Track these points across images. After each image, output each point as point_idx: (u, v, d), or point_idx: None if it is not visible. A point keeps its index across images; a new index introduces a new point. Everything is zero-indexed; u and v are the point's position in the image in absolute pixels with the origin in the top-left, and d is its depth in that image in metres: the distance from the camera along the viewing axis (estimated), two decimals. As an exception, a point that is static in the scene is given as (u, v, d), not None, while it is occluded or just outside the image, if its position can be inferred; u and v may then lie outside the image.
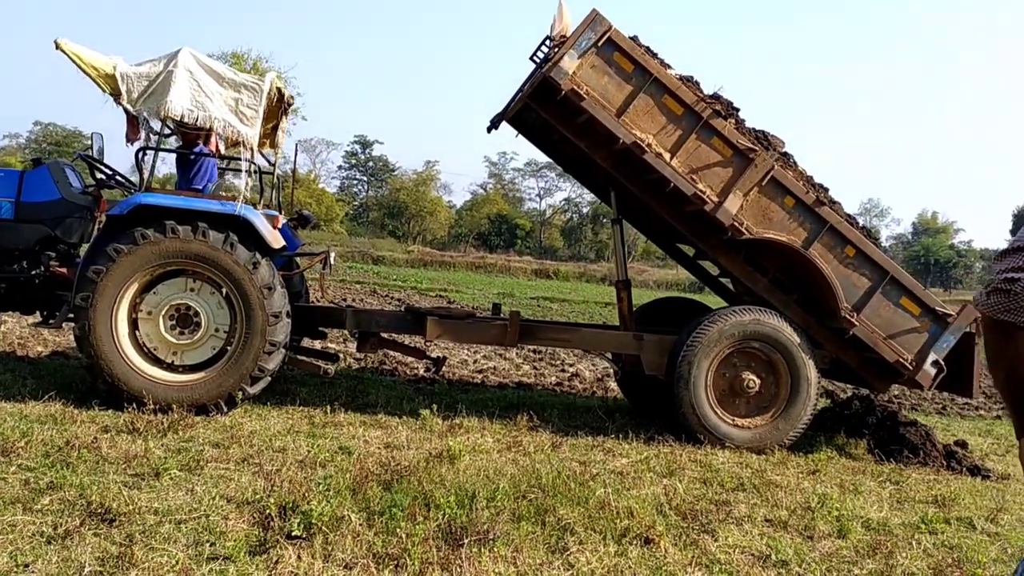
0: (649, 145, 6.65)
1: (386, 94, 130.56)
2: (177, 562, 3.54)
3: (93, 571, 3.44)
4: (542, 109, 6.93)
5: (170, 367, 6.52)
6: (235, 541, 3.83)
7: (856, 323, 6.93)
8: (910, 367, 6.98)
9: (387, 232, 67.58)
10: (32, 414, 5.86)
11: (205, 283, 6.53)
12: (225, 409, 6.46)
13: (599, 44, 6.54)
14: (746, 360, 7.10)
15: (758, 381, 7.06)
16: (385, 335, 7.89)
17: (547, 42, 6.90)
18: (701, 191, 6.75)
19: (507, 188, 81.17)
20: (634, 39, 6.75)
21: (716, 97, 6.87)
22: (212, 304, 6.54)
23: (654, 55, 6.85)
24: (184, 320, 6.52)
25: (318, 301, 9.09)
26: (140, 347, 6.46)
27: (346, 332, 10.82)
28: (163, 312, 6.46)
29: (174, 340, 6.49)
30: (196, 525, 4.04)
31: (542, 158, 76.00)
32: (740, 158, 6.78)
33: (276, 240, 6.76)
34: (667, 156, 6.71)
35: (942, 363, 7.02)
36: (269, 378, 6.69)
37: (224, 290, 6.50)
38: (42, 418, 5.77)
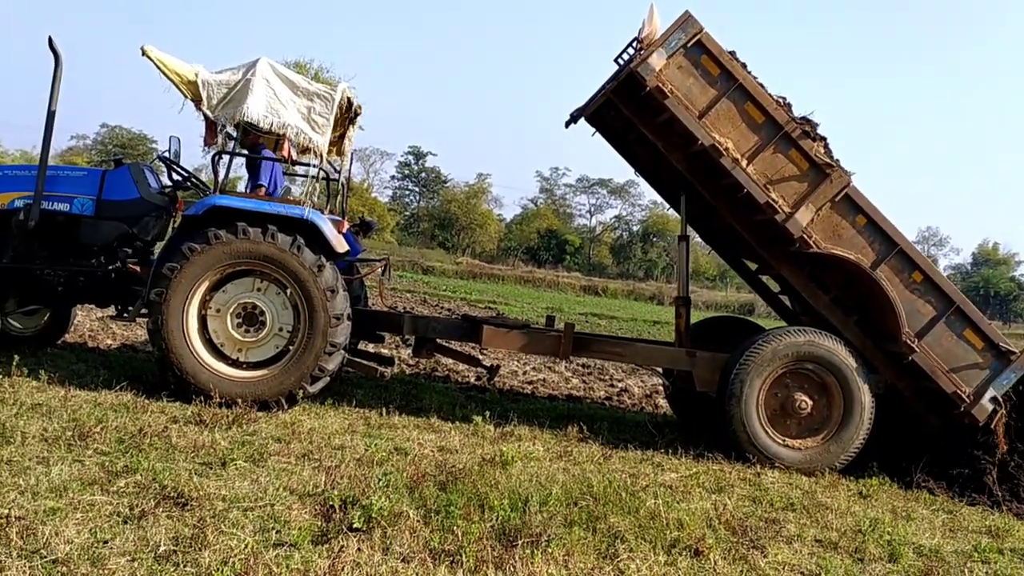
0: (727, 149, 6.73)
1: (441, 106, 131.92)
2: (246, 546, 3.71)
3: (168, 550, 3.63)
4: (624, 105, 7.07)
5: (235, 363, 6.75)
6: (299, 530, 4.00)
7: (917, 350, 6.88)
8: (967, 400, 6.90)
9: (437, 243, 68.16)
10: (106, 402, 6.14)
11: (272, 283, 6.76)
12: (285, 406, 6.67)
13: (688, 45, 6.66)
14: (799, 381, 7.09)
15: (810, 403, 7.05)
16: (440, 341, 8.04)
17: (634, 44, 7.01)
18: (774, 200, 6.79)
19: (558, 203, 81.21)
20: (732, 55, 6.83)
21: (805, 120, 6.90)
22: (277, 304, 6.77)
23: (744, 66, 6.92)
24: (250, 319, 6.75)
25: (377, 305, 9.28)
26: (208, 343, 6.70)
27: (398, 339, 11.06)
28: (231, 310, 6.70)
29: (240, 337, 6.73)
30: (262, 513, 4.22)
31: (593, 174, 76.26)
32: (816, 172, 6.82)
33: (340, 245, 6.97)
34: (744, 162, 6.78)
35: (1000, 399, 6.93)
36: (328, 378, 6.89)
37: (289, 291, 6.72)
38: (115, 406, 6.04)
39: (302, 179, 7.56)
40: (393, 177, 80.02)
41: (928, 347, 6.93)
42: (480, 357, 8.98)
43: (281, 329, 6.77)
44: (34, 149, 46.93)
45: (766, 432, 6.99)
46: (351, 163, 8.59)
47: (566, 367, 12.18)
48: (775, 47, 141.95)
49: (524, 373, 11.20)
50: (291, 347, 6.74)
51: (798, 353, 7.01)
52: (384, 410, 7.16)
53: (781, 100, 6.93)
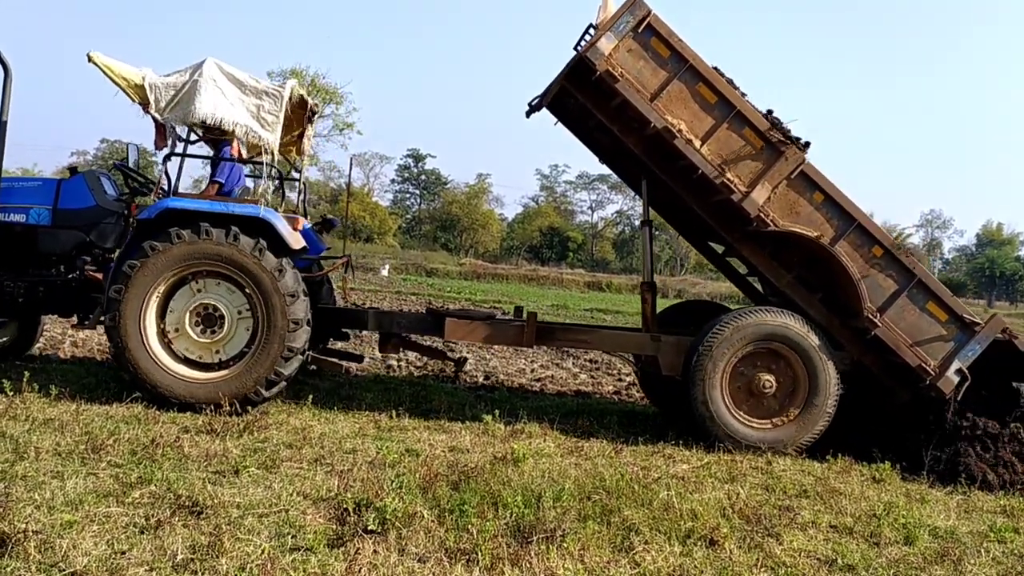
0: (680, 131, 6.71)
1: (439, 108, 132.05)
2: (263, 551, 3.73)
3: (185, 559, 3.64)
4: (578, 92, 7.03)
5: (222, 365, 6.69)
6: (315, 534, 4.01)
7: (879, 324, 6.86)
8: (932, 373, 6.87)
9: (439, 245, 68.23)
10: (117, 415, 6.16)
11: (206, 279, 6.68)
12: (240, 410, 6.53)
13: (637, 28, 6.63)
14: (762, 361, 7.07)
15: (774, 381, 7.03)
16: (407, 336, 7.99)
17: (591, 31, 6.98)
18: (729, 180, 6.78)
19: (559, 201, 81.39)
20: (716, 70, 6.84)
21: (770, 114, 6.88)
22: (222, 292, 6.70)
23: (729, 80, 6.89)
24: (209, 319, 6.70)
25: (343, 303, 9.21)
26: (167, 345, 6.64)
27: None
28: (187, 322, 6.65)
29: (209, 341, 6.69)
30: (277, 519, 4.23)
31: (593, 170, 76.29)
32: (771, 150, 6.80)
33: (296, 241, 6.93)
34: (697, 143, 6.76)
35: (966, 371, 6.89)
36: (284, 383, 6.78)
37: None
38: (127, 418, 6.06)
39: (263, 179, 7.53)
40: (393, 181, 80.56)
41: (891, 321, 6.91)
42: (446, 350, 8.94)
43: (240, 312, 6.70)
44: (36, 166, 47.24)
45: (731, 413, 6.98)
46: (350, 168, 8.64)
47: (574, 363, 12.19)
48: (772, 43, 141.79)
49: (532, 371, 11.20)
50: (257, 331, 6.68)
51: (758, 332, 7.00)
52: (394, 413, 7.17)
53: (769, 113, 6.90)
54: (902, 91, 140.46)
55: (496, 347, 11.79)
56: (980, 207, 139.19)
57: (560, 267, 60.95)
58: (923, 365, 6.87)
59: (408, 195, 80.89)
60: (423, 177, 79.36)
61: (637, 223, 76.10)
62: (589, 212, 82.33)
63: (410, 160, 78.55)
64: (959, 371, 6.87)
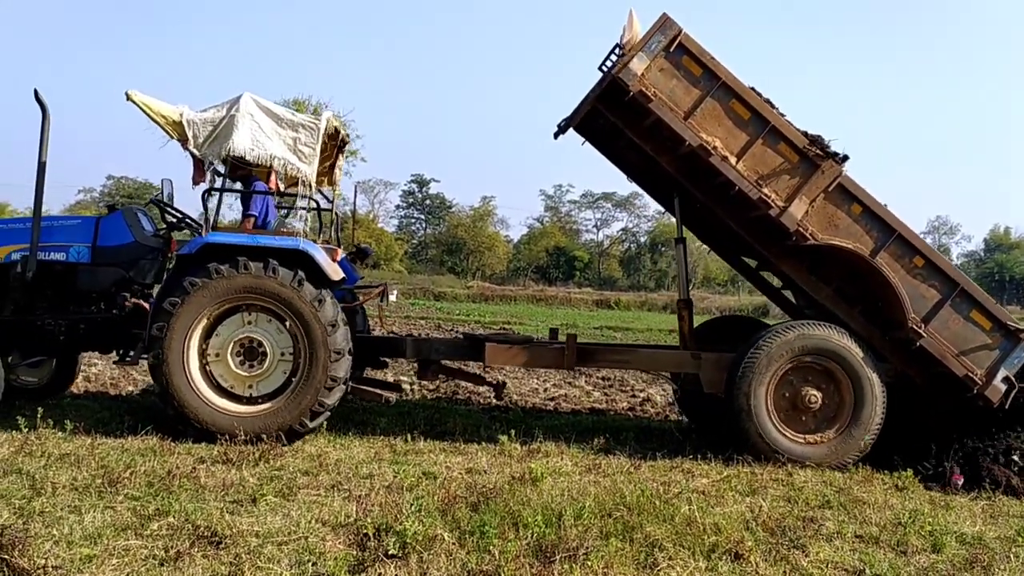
0: (715, 148, 6.71)
1: (441, 132, 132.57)
2: (284, 580, 3.69)
3: (206, 589, 3.61)
4: (609, 112, 7.06)
5: (251, 400, 6.73)
6: (335, 560, 3.98)
7: (924, 335, 6.82)
8: (980, 382, 6.82)
9: (446, 268, 68.25)
10: (132, 447, 6.15)
11: (259, 313, 6.73)
12: (285, 441, 6.56)
13: (669, 48, 6.65)
14: (806, 375, 7.03)
15: (820, 395, 6.98)
16: (445, 362, 7.98)
17: (617, 50, 6.99)
18: (766, 195, 6.76)
19: (564, 220, 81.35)
20: (753, 90, 6.85)
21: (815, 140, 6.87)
22: (272, 331, 6.74)
23: (767, 100, 6.91)
24: (251, 353, 6.73)
25: (381, 332, 9.24)
26: (209, 378, 6.68)
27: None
28: (229, 350, 6.68)
29: (246, 374, 6.71)
30: (297, 546, 4.20)
31: (597, 189, 76.39)
32: (807, 164, 6.79)
33: (335, 273, 6.97)
34: (733, 160, 6.75)
35: (1013, 379, 6.85)
36: (328, 413, 6.81)
37: (288, 323, 6.70)
38: (142, 451, 6.05)
39: (296, 210, 7.55)
40: (398, 206, 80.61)
41: (935, 331, 6.87)
42: (485, 375, 8.90)
43: (283, 354, 6.73)
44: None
45: (777, 428, 6.92)
46: (355, 195, 8.65)
47: (587, 380, 12.13)
48: (769, 47, 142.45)
49: (545, 390, 11.15)
50: (297, 372, 6.71)
51: (803, 346, 6.95)
52: (409, 436, 7.14)
53: (817, 137, 6.89)
54: (906, 98, 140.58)
55: (508, 367, 11.75)
56: (987, 212, 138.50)
57: (567, 286, 60.77)
58: (970, 374, 6.83)
59: (413, 220, 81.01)
60: (428, 202, 79.51)
61: (643, 240, 76.36)
62: (594, 231, 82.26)
63: (414, 185, 78.76)
64: (1006, 379, 6.83)
